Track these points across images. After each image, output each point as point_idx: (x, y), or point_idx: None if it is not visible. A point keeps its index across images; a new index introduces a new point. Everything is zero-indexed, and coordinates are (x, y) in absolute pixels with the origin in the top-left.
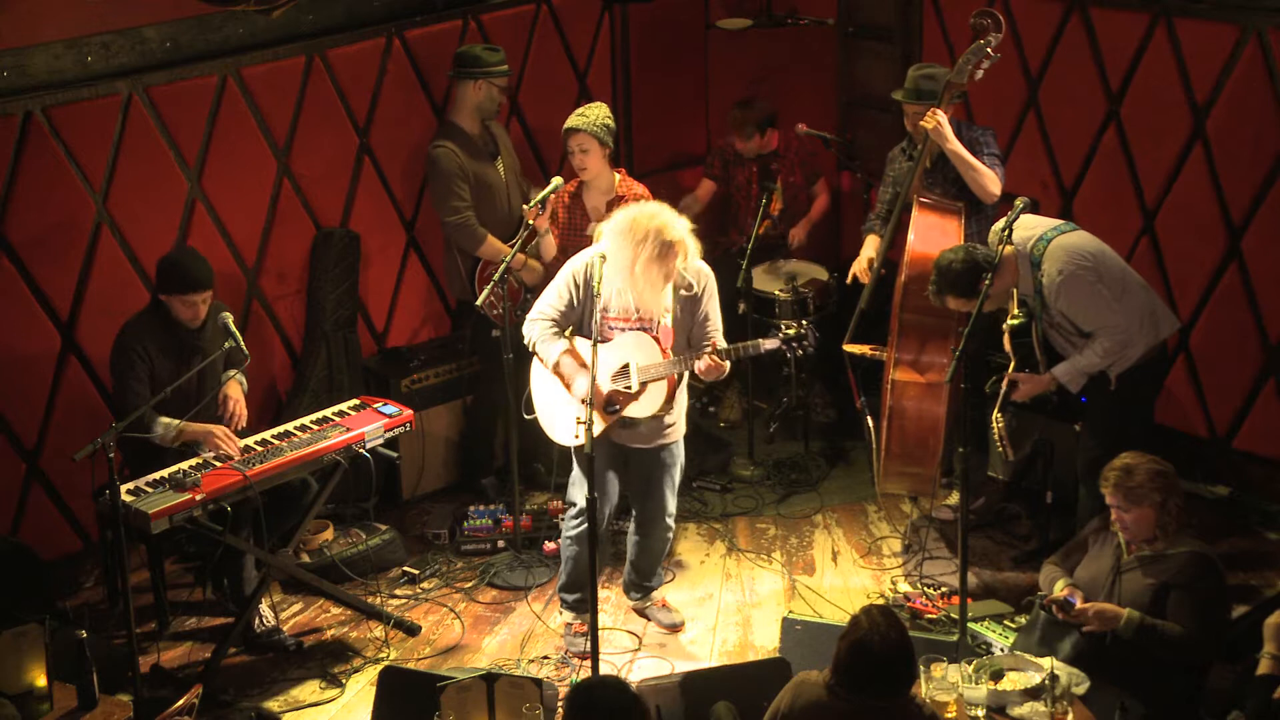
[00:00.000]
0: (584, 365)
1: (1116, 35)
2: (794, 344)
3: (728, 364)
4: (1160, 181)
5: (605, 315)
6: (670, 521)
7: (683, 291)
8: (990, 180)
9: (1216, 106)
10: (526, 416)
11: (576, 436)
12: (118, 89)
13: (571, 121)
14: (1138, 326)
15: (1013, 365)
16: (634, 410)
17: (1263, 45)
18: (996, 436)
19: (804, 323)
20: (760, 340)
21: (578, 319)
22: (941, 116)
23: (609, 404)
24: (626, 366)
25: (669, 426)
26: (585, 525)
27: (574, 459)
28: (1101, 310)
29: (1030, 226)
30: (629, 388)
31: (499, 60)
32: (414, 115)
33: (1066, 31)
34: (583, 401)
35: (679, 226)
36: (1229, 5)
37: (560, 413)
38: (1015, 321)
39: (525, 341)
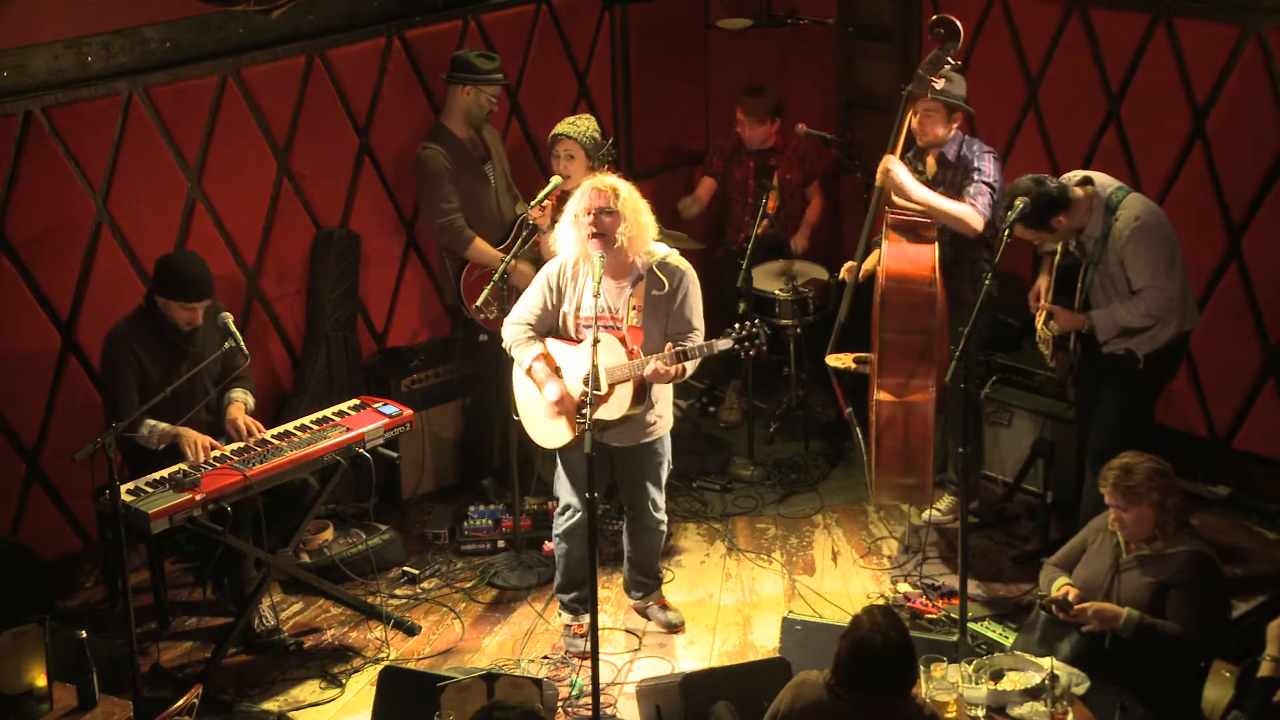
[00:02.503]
0: (555, 371)
1: (1116, 35)
2: (745, 343)
3: (677, 368)
4: (1160, 181)
5: (575, 315)
6: (659, 515)
7: (654, 291)
8: (964, 220)
9: (1216, 106)
10: (515, 417)
11: (558, 438)
12: (118, 89)
13: (562, 128)
14: (1178, 302)
15: (1050, 294)
16: (603, 413)
17: (1263, 45)
18: (1042, 341)
19: (756, 321)
20: (713, 341)
21: (554, 322)
22: (893, 164)
23: (580, 408)
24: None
25: (650, 424)
26: (572, 522)
27: (558, 457)
28: (1159, 269)
29: (1106, 176)
30: (597, 392)
31: (493, 69)
32: (414, 115)
33: (1066, 31)
34: (583, 402)
35: (599, 180)
36: (1229, 5)
37: (541, 416)
38: (1064, 260)
39: (504, 345)
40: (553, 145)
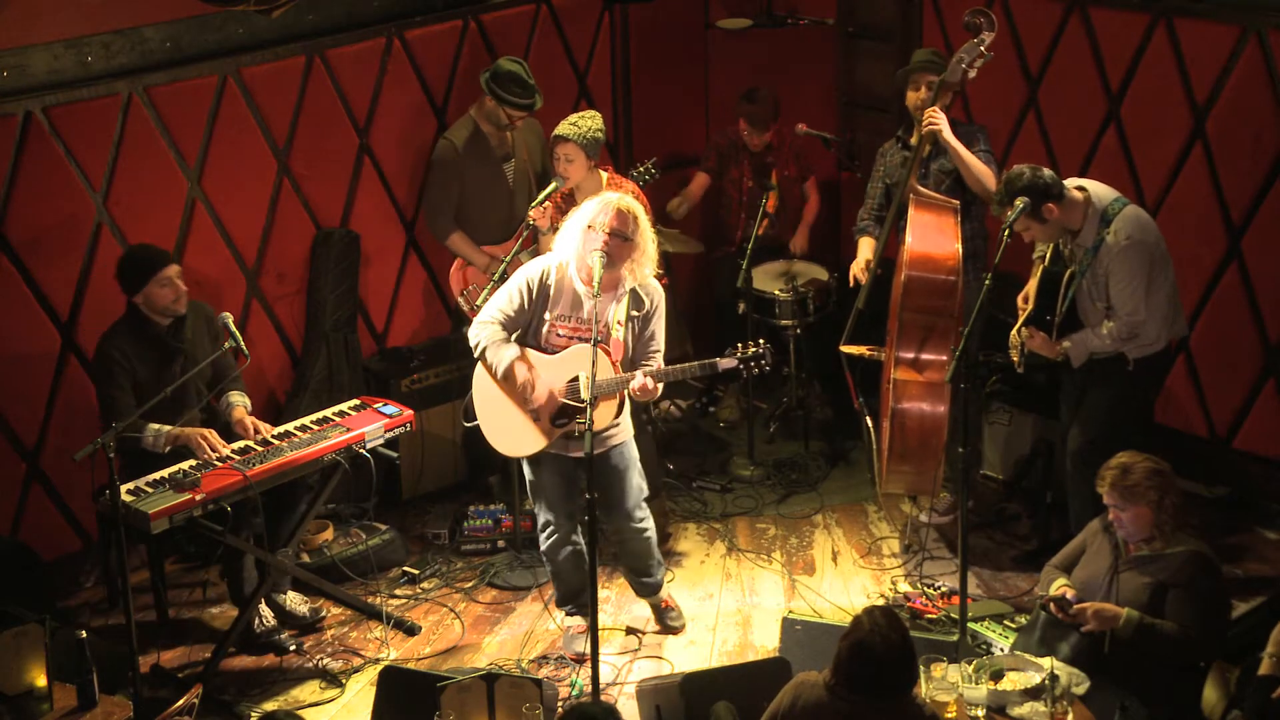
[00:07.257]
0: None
1: (1116, 35)
2: (750, 364)
3: (660, 386)
4: (1160, 181)
5: (552, 321)
6: (638, 514)
7: (634, 311)
8: (989, 177)
9: (1216, 106)
10: (466, 424)
11: (527, 446)
12: (118, 89)
13: (562, 129)
14: (1157, 321)
15: (1029, 309)
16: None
17: (1263, 45)
18: (1013, 346)
19: (761, 341)
20: (716, 359)
21: (524, 324)
22: (941, 117)
23: (558, 416)
24: (576, 379)
25: (611, 430)
26: (553, 539)
27: (524, 468)
28: (1137, 295)
29: (1104, 188)
30: (581, 402)
31: (520, 94)
32: (414, 115)
33: (1066, 31)
34: (587, 401)
35: (625, 200)
36: (1229, 5)
37: (505, 422)
38: (1051, 267)
39: (471, 344)
40: (553, 147)
